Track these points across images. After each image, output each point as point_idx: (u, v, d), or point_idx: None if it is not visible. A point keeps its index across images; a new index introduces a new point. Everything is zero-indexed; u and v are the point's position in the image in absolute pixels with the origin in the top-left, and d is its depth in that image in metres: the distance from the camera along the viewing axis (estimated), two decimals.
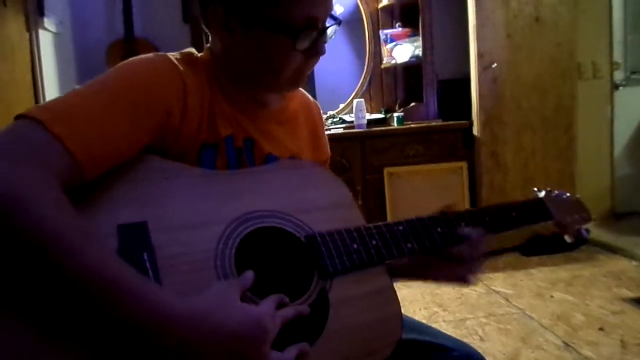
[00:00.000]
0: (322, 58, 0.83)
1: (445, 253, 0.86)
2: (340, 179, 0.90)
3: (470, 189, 3.15)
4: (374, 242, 0.81)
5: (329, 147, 1.03)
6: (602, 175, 3.74)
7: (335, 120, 3.32)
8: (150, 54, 0.78)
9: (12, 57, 2.54)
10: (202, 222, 0.71)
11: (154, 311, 0.57)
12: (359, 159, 3.09)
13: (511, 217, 0.94)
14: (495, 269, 2.99)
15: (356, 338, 0.73)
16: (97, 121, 0.66)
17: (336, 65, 3.40)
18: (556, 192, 1.06)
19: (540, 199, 1.02)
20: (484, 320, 2.28)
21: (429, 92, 3.36)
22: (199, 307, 0.60)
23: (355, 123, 3.20)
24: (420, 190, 3.07)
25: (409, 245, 0.83)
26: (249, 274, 0.68)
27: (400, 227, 0.84)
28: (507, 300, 2.50)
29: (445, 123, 3.24)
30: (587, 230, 1.04)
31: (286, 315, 0.67)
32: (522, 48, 3.19)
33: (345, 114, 3.41)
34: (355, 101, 3.25)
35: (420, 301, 2.55)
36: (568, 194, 1.07)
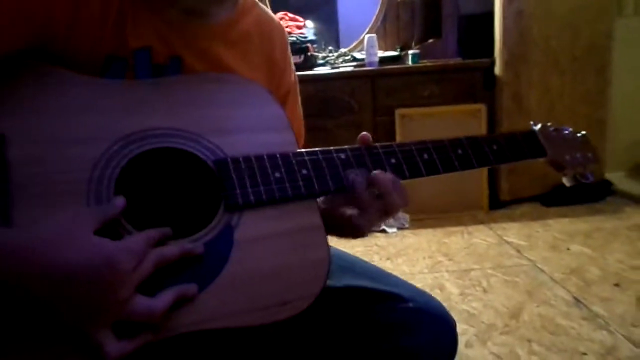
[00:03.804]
0: None
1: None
2: (277, 101, 0.74)
3: (489, 134, 2.94)
4: (304, 171, 0.66)
5: (295, 79, 0.88)
6: (638, 123, 3.45)
7: (346, 57, 3.11)
8: None
9: None
10: (82, 138, 0.59)
11: None
12: (369, 99, 2.88)
13: (492, 151, 0.79)
14: (511, 219, 2.82)
15: (262, 285, 0.59)
16: None
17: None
18: (555, 126, 0.90)
19: (533, 130, 0.86)
20: (490, 271, 2.13)
21: (449, 27, 3.11)
22: (32, 238, 0.48)
23: (366, 61, 2.98)
24: (434, 134, 2.83)
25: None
26: (118, 201, 0.56)
27: (342, 155, 0.70)
28: (518, 251, 2.34)
29: (464, 62, 2.99)
30: (592, 174, 0.88)
31: (165, 254, 0.55)
32: None
33: (358, 51, 3.20)
34: (366, 37, 3.02)
35: (426, 250, 2.42)
36: (570, 129, 0.91)
